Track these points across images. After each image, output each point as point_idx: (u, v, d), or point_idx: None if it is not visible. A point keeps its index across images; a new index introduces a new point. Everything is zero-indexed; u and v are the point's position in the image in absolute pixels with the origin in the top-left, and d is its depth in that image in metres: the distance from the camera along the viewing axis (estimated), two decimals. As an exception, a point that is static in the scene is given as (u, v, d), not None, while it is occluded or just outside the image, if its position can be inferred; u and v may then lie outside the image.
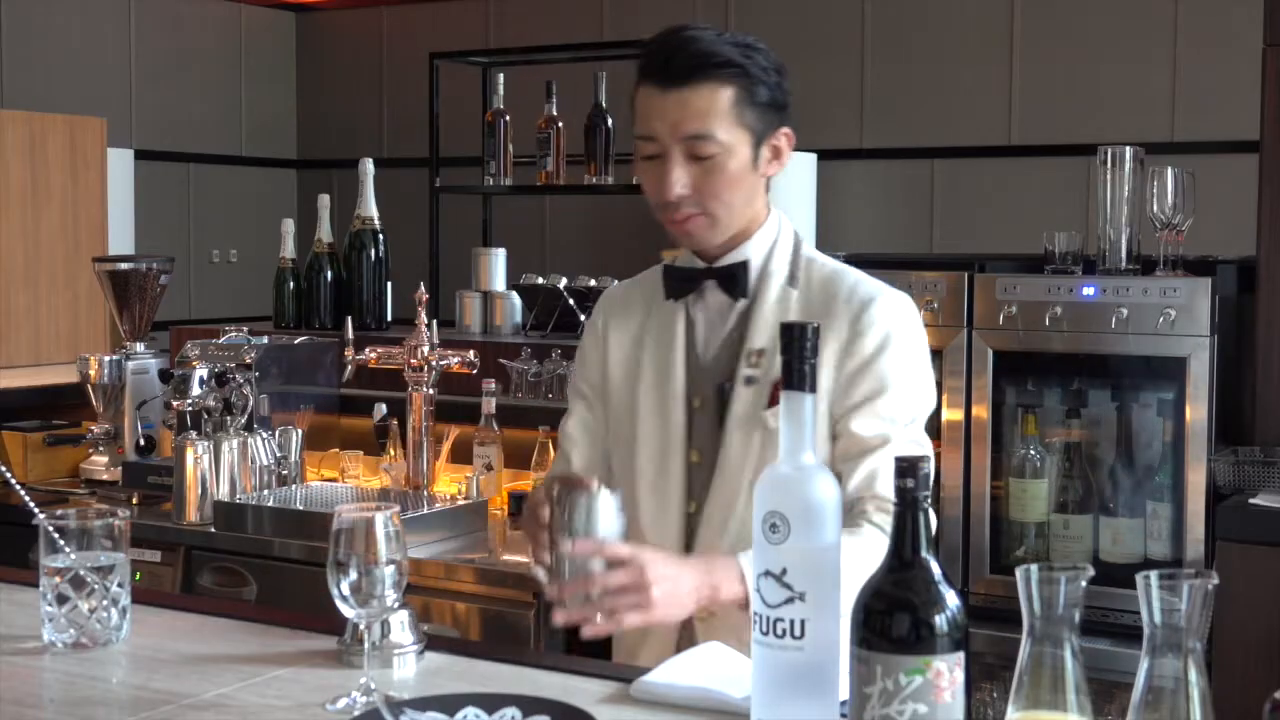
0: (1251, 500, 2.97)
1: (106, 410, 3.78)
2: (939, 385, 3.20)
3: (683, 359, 2.04)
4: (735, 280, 2.01)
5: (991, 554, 3.23)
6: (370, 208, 3.96)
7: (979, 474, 3.20)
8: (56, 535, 1.83)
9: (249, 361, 3.50)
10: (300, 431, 3.48)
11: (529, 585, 2.69)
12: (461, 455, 3.48)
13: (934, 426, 3.23)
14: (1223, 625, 2.88)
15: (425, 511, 3.19)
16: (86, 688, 1.70)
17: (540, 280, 3.79)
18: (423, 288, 3.42)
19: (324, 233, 4.04)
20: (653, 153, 1.95)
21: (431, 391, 3.43)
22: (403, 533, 1.66)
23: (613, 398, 2.09)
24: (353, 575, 1.62)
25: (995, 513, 3.22)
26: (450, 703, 1.56)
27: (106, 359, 3.75)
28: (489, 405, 3.42)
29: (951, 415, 3.21)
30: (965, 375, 3.18)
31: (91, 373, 3.74)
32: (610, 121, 4.03)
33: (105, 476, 3.73)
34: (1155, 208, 3.10)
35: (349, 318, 3.57)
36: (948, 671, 1.23)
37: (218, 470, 3.27)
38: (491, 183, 4.20)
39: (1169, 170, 3.12)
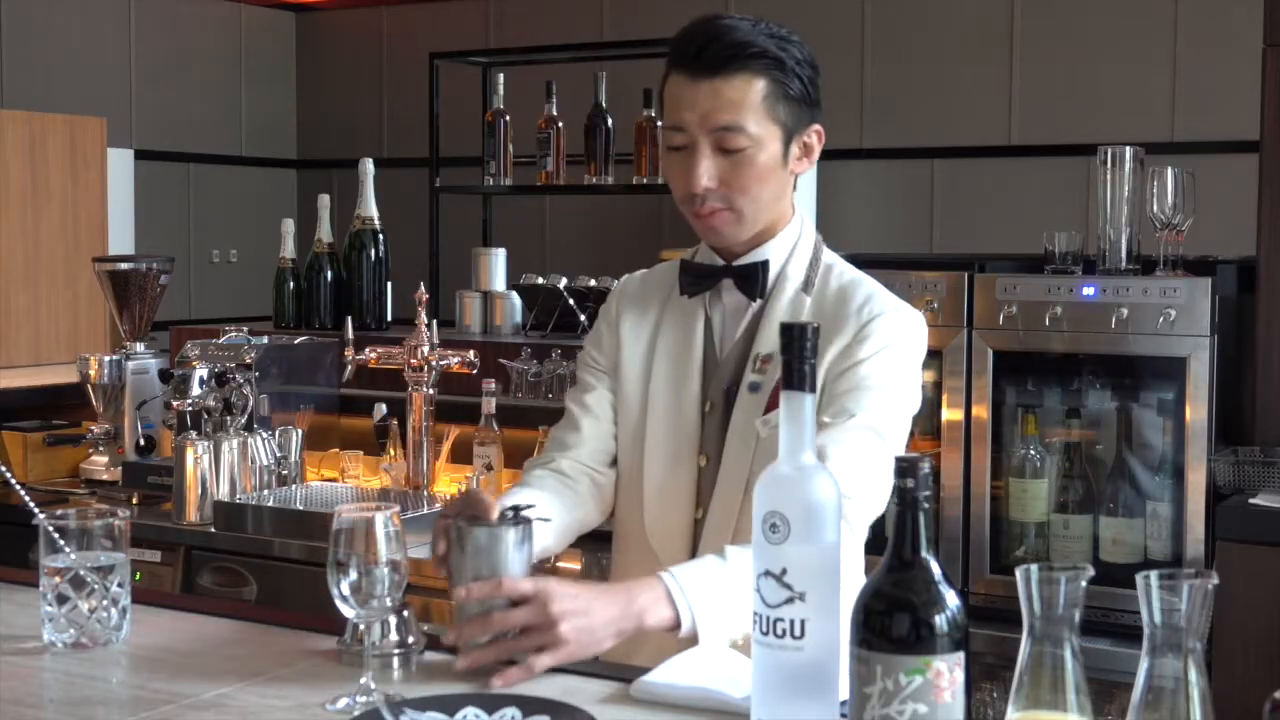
0: (1251, 500, 2.97)
1: (106, 410, 3.78)
2: (939, 386, 3.22)
3: (700, 361, 1.99)
4: (753, 281, 1.96)
5: (991, 554, 3.23)
6: (370, 208, 3.96)
7: (979, 474, 3.20)
8: (56, 535, 1.83)
9: (249, 361, 3.50)
10: (300, 431, 3.48)
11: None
12: (461, 455, 3.48)
13: (934, 426, 3.25)
14: (1223, 625, 2.88)
15: (425, 511, 3.19)
16: (86, 688, 1.70)
17: (540, 280, 3.79)
18: (423, 288, 3.42)
19: (324, 233, 4.04)
20: (680, 144, 1.90)
21: (431, 391, 3.43)
22: (403, 533, 1.66)
23: (622, 393, 2.04)
24: (353, 575, 1.62)
25: (995, 513, 3.22)
26: (450, 703, 1.56)
27: (106, 359, 3.75)
28: (489, 405, 3.42)
29: (951, 415, 3.21)
30: (965, 375, 3.18)
31: (91, 373, 3.74)
32: (610, 121, 4.03)
33: (105, 476, 3.73)
34: (1155, 208, 3.10)
35: (349, 318, 3.57)
36: (948, 671, 1.23)
37: (218, 470, 3.27)
38: (491, 183, 4.20)
39: (1169, 170, 3.12)
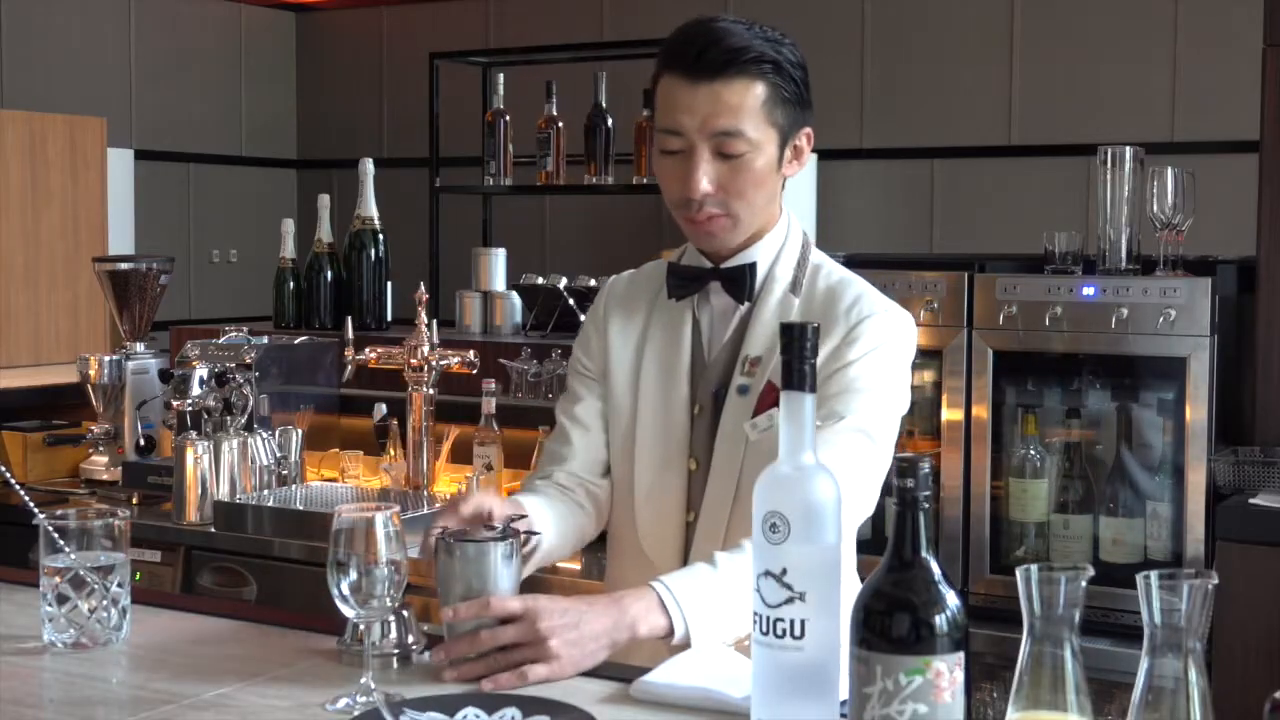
0: (1251, 500, 2.97)
1: (106, 410, 3.78)
2: (939, 386, 3.23)
3: (688, 365, 1.98)
4: (740, 283, 1.94)
5: (991, 554, 3.23)
6: (370, 208, 3.96)
7: (979, 474, 3.20)
8: (56, 535, 1.83)
9: (249, 361, 3.50)
10: (300, 431, 3.48)
11: (528, 585, 2.69)
12: (461, 455, 3.48)
13: (934, 426, 3.25)
14: (1223, 625, 2.88)
15: (425, 511, 3.19)
16: (86, 688, 1.70)
17: (540, 280, 3.79)
18: (423, 288, 3.42)
19: (324, 233, 4.04)
20: (677, 148, 1.88)
21: (431, 391, 3.43)
22: (403, 533, 1.66)
23: (611, 396, 2.03)
24: (353, 575, 1.62)
25: (995, 513, 3.22)
26: (450, 703, 1.56)
27: (106, 359, 3.75)
28: (489, 405, 3.42)
29: (951, 415, 3.21)
30: (965, 375, 3.18)
31: (91, 373, 3.74)
32: (610, 121, 4.03)
33: (105, 476, 3.73)
34: (1155, 208, 3.10)
35: (349, 318, 3.57)
36: (948, 671, 1.23)
37: (218, 470, 3.27)
38: (491, 183, 4.20)
39: (1169, 170, 3.12)
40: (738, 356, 1.95)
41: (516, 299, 3.91)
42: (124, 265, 3.82)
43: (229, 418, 3.32)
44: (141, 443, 3.66)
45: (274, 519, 3.19)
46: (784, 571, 1.35)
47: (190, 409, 3.31)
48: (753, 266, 1.95)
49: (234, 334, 3.67)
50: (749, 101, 1.85)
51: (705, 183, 1.87)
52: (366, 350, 3.43)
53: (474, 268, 4.04)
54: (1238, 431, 3.20)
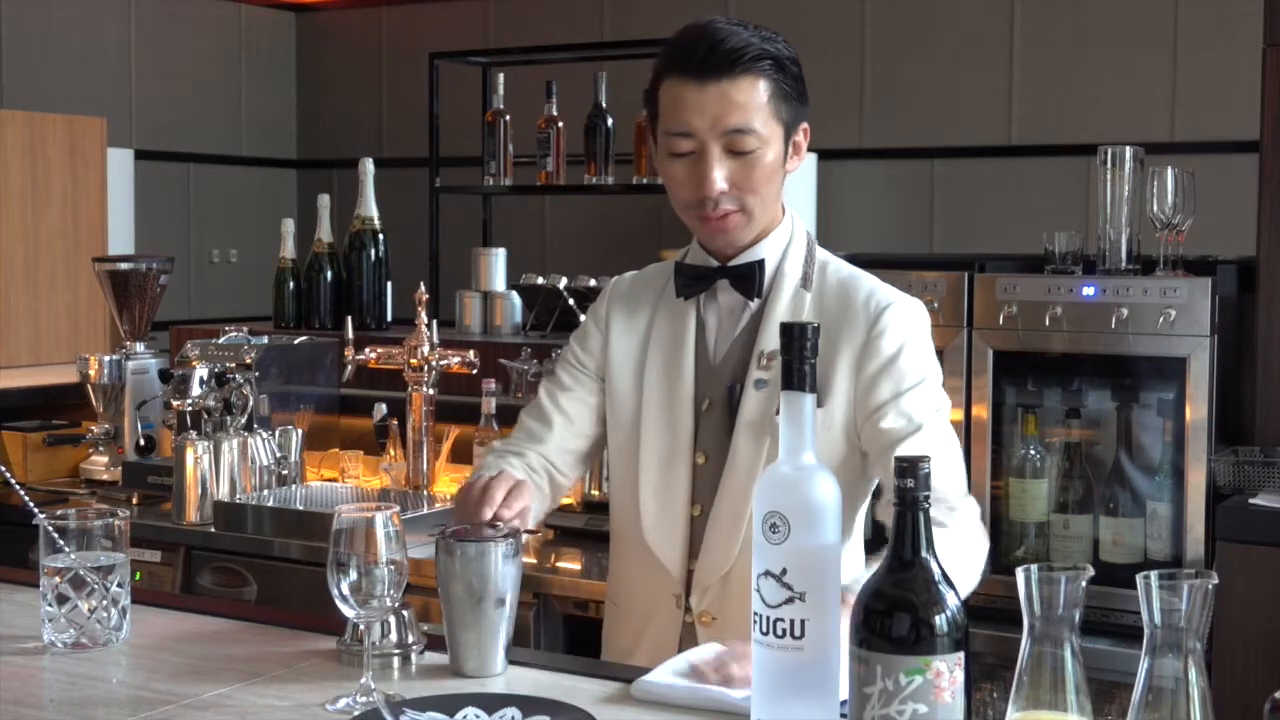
0: (1251, 500, 2.97)
1: (106, 410, 3.78)
2: (939, 385, 3.23)
3: (692, 360, 2.00)
4: (749, 280, 1.97)
5: (991, 554, 3.22)
6: (370, 208, 3.96)
7: (979, 474, 3.20)
8: (56, 535, 1.83)
9: (249, 361, 3.50)
10: (300, 431, 3.48)
11: (528, 585, 2.69)
12: (461, 455, 3.48)
13: (934, 426, 3.24)
14: (1223, 625, 2.88)
15: (425, 511, 3.19)
16: (86, 688, 1.70)
17: (540, 280, 3.79)
18: (423, 288, 3.42)
19: (324, 233, 4.04)
20: (687, 150, 1.91)
21: (431, 391, 3.43)
22: (403, 533, 1.66)
23: (614, 393, 2.05)
24: (353, 575, 1.62)
25: (995, 513, 3.22)
26: (450, 703, 1.56)
27: (106, 359, 3.75)
28: (489, 405, 3.42)
29: (951, 415, 3.20)
30: (965, 375, 3.18)
31: (91, 373, 3.74)
32: (610, 121, 4.03)
33: (105, 476, 3.73)
34: (1155, 208, 3.10)
35: (349, 318, 3.57)
36: (948, 671, 1.23)
37: (218, 470, 3.27)
38: (491, 183, 4.20)
39: (1169, 170, 3.11)
40: (751, 352, 1.97)
41: (516, 299, 3.91)
42: (124, 265, 3.82)
43: (229, 418, 3.32)
44: (141, 443, 3.66)
45: (274, 519, 3.19)
46: (784, 571, 1.35)
47: (190, 409, 3.31)
48: (761, 263, 1.98)
49: (234, 334, 3.67)
50: (756, 98, 1.89)
51: (720, 180, 1.90)
52: (366, 350, 3.43)
53: (474, 268, 4.04)
54: (1238, 431, 3.20)
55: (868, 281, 1.99)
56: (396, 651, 1.76)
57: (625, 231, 4.86)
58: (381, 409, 3.56)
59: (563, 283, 3.71)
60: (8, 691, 1.68)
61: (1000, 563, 3.23)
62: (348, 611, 1.64)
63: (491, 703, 1.55)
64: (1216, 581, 1.16)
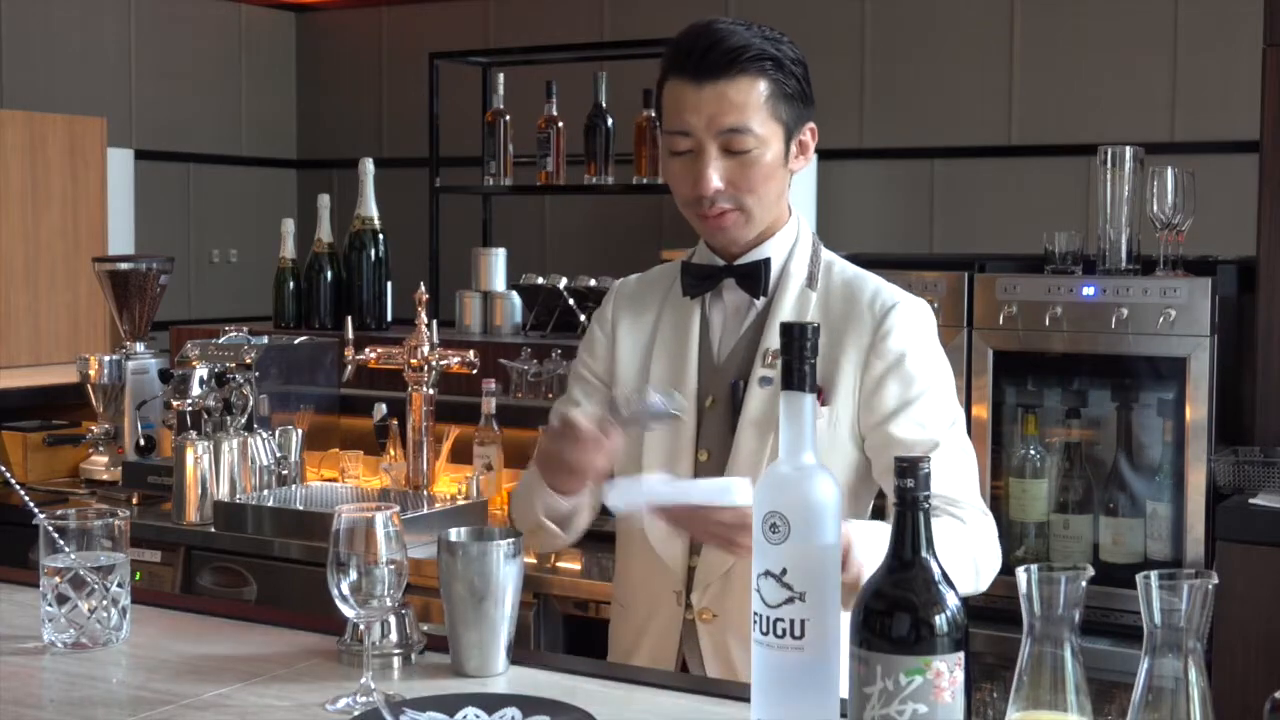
0: (1251, 500, 2.97)
1: (106, 410, 3.78)
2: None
3: (696, 358, 2.01)
4: (755, 279, 1.98)
5: (992, 554, 3.22)
6: (370, 208, 3.96)
7: (979, 474, 3.19)
8: (56, 535, 1.83)
9: (249, 361, 3.50)
10: (300, 431, 3.48)
11: (529, 585, 2.69)
12: (461, 455, 3.48)
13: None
14: (1223, 625, 2.88)
15: (425, 511, 3.19)
16: (86, 688, 1.70)
17: (540, 280, 3.79)
18: (423, 288, 3.42)
19: (324, 233, 4.04)
20: (686, 148, 1.92)
21: (431, 391, 3.43)
22: (403, 533, 1.66)
23: (620, 393, 2.05)
24: (353, 575, 1.62)
25: (995, 512, 3.18)
26: (450, 703, 1.56)
27: (106, 359, 3.75)
28: (489, 405, 3.42)
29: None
30: (965, 375, 3.18)
31: (91, 373, 3.74)
32: (610, 121, 4.03)
33: (105, 476, 3.73)
34: (1155, 208, 3.10)
35: (349, 318, 3.57)
36: (948, 671, 1.23)
37: (218, 470, 3.27)
38: (491, 183, 4.20)
39: (1169, 170, 3.12)
40: (756, 350, 1.98)
41: (516, 299, 3.91)
42: (124, 265, 3.82)
43: (229, 418, 3.32)
44: (141, 443, 3.66)
45: (274, 519, 3.19)
46: (784, 571, 1.35)
47: (190, 409, 3.31)
48: (767, 262, 1.99)
49: (234, 334, 3.67)
50: (753, 99, 1.89)
51: (716, 179, 1.91)
52: (366, 350, 3.43)
53: (474, 268, 4.04)
54: (1238, 431, 3.20)
55: (873, 281, 2.00)
56: (396, 651, 1.76)
57: (625, 231, 4.86)
58: (381, 409, 3.56)
59: (563, 283, 3.71)
60: (8, 691, 1.68)
61: (1001, 563, 3.23)
62: (348, 611, 1.64)
63: (491, 703, 1.55)
64: (1216, 581, 1.16)
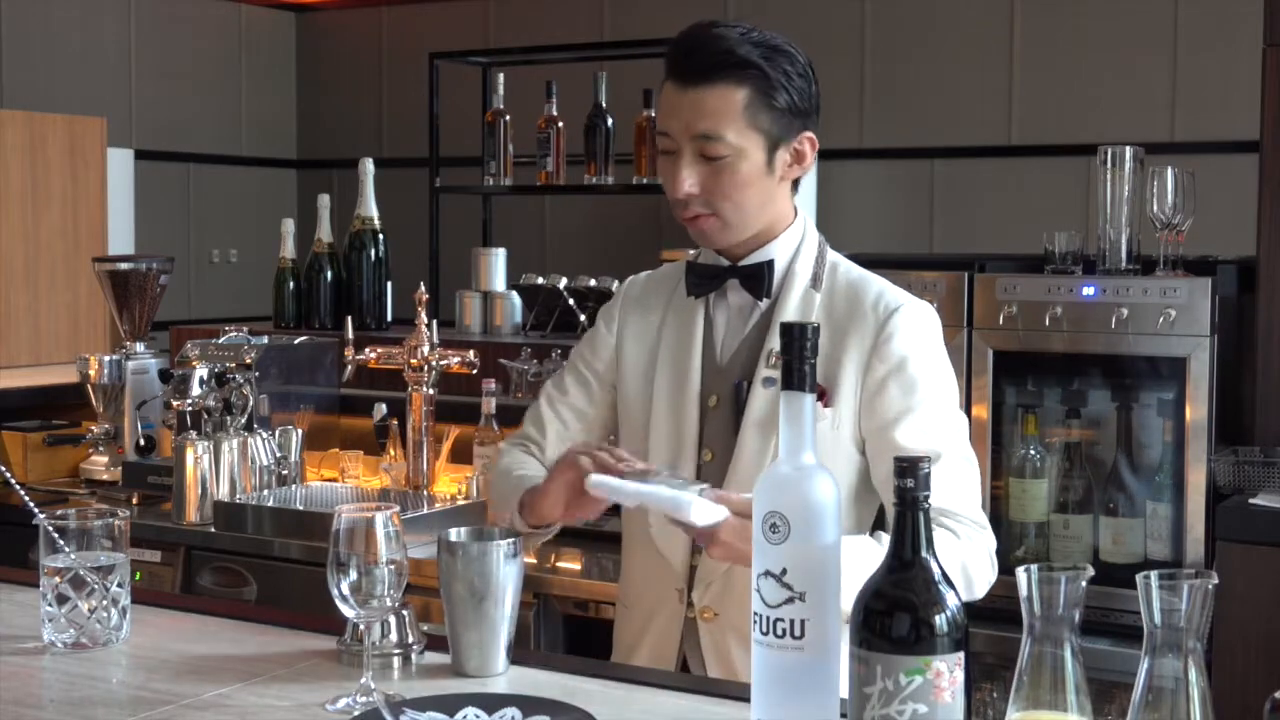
0: (1251, 500, 2.97)
1: (106, 410, 3.78)
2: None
3: (699, 359, 2.01)
4: (759, 280, 1.98)
5: (991, 554, 3.22)
6: (370, 208, 3.96)
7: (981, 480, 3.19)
8: (56, 535, 1.83)
9: (249, 361, 3.50)
10: (300, 431, 3.48)
11: (529, 585, 2.69)
12: (461, 455, 3.48)
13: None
14: (1223, 625, 2.88)
15: (425, 511, 3.19)
16: (86, 688, 1.70)
17: (540, 280, 3.79)
18: (423, 288, 3.42)
19: (324, 233, 4.04)
20: (668, 149, 1.93)
21: (431, 391, 3.43)
22: (402, 533, 1.66)
23: (625, 393, 2.07)
24: (353, 575, 1.62)
25: (995, 513, 3.22)
26: (450, 703, 1.56)
27: (106, 359, 3.75)
28: (489, 405, 3.42)
29: (953, 417, 3.21)
30: (965, 375, 3.18)
31: (91, 373, 3.74)
32: (610, 121, 4.03)
33: (105, 476, 3.73)
34: (1155, 208, 3.10)
35: (349, 318, 3.57)
36: (948, 671, 1.23)
37: (218, 470, 3.27)
38: (491, 183, 4.20)
39: (1169, 170, 3.11)
40: (760, 351, 1.98)
41: (516, 299, 3.91)
42: (124, 265, 3.82)
43: (229, 418, 3.32)
44: (141, 443, 3.66)
45: (274, 519, 3.19)
46: (784, 571, 1.35)
47: (190, 409, 3.31)
48: (770, 264, 1.99)
49: (234, 334, 3.67)
50: (728, 107, 1.88)
51: (688, 184, 1.91)
52: (366, 350, 3.43)
53: (474, 268, 4.04)
54: (1238, 431, 3.20)
55: (877, 283, 1.99)
56: (396, 651, 1.76)
57: (625, 231, 4.86)
58: (381, 409, 3.56)
59: (563, 283, 3.71)
60: (8, 691, 1.68)
61: (1000, 563, 3.22)
62: (348, 611, 1.64)
63: (491, 703, 1.55)
64: (1216, 581, 1.16)
